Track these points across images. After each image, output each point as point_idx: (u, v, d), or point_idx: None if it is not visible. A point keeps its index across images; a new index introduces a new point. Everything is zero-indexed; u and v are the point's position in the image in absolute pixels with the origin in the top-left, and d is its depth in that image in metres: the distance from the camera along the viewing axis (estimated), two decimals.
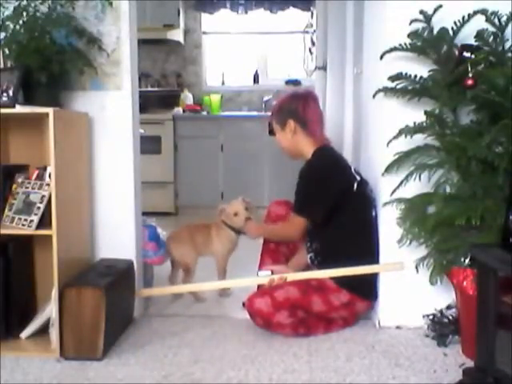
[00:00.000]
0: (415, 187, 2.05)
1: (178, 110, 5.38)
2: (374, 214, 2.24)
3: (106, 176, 2.32)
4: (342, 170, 2.26)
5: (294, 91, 2.45)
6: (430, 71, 2.02)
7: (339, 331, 2.18)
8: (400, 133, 2.01)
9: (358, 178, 2.24)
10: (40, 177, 2.07)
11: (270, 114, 2.49)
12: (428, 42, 1.98)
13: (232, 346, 2.04)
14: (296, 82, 5.45)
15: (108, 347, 1.98)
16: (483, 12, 1.90)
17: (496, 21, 1.89)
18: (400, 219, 2.10)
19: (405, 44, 2.02)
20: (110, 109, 2.29)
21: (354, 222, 2.21)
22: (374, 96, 2.13)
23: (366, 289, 2.23)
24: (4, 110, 1.96)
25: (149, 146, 4.46)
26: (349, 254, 2.18)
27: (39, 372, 1.85)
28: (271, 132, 2.46)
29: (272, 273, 2.23)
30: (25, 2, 2.09)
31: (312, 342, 2.08)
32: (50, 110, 1.92)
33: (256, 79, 5.72)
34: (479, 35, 1.91)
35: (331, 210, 2.19)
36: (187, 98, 5.51)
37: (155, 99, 5.48)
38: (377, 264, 2.22)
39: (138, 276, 2.35)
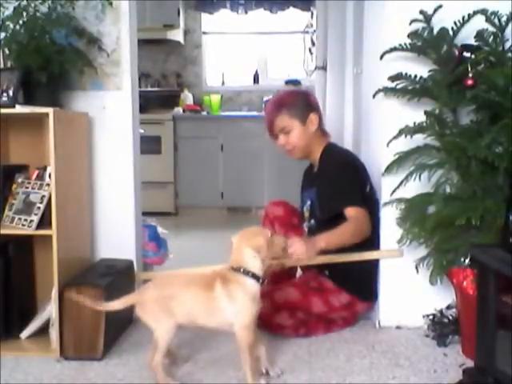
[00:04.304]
0: (415, 187, 2.05)
1: (178, 109, 5.38)
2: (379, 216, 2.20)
3: (106, 176, 2.32)
4: (362, 165, 2.25)
5: (291, 88, 2.39)
6: (429, 71, 2.02)
7: (339, 331, 2.18)
8: (400, 133, 2.01)
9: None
10: (40, 177, 2.07)
11: (272, 112, 2.22)
12: (428, 42, 1.98)
13: (232, 346, 2.04)
14: (296, 82, 5.45)
15: (108, 347, 1.98)
16: (483, 12, 1.91)
17: (496, 21, 1.90)
18: (400, 219, 2.10)
19: (405, 44, 2.02)
20: (110, 109, 2.29)
21: None
22: (373, 96, 2.13)
23: (366, 290, 2.22)
24: (4, 110, 1.96)
25: (149, 146, 4.46)
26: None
27: (39, 372, 1.85)
28: (272, 133, 2.25)
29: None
30: (25, 2, 2.10)
31: (312, 343, 2.08)
32: (50, 110, 1.92)
33: (256, 79, 5.72)
34: (479, 35, 1.92)
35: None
36: (187, 97, 5.52)
37: (155, 99, 5.49)
38: (378, 267, 2.22)
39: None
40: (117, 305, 1.77)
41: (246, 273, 1.71)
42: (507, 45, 1.91)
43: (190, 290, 1.73)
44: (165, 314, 1.70)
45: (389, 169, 2.09)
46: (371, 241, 2.17)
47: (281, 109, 2.19)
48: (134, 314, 2.28)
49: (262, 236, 1.74)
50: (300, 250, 1.86)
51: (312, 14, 5.04)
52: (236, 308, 1.69)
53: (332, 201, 2.13)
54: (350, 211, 2.06)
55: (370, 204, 2.19)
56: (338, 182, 2.13)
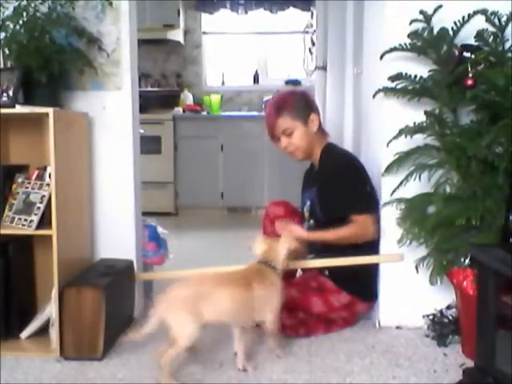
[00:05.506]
0: (415, 187, 2.05)
1: (178, 109, 5.38)
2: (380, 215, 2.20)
3: (106, 176, 2.32)
4: (363, 167, 2.26)
5: (290, 89, 2.38)
6: (429, 71, 2.02)
7: (339, 331, 2.18)
8: (400, 133, 2.01)
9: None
10: (40, 177, 2.07)
11: (273, 114, 2.20)
12: (428, 42, 1.98)
13: (232, 346, 2.04)
14: (296, 82, 5.46)
15: (108, 347, 1.98)
16: (483, 12, 1.90)
17: (496, 21, 1.89)
18: (400, 219, 2.10)
19: (405, 44, 2.02)
20: (110, 109, 2.29)
21: None
22: (373, 96, 2.12)
23: (366, 290, 2.22)
24: (4, 110, 1.96)
25: (149, 146, 4.46)
26: (351, 255, 2.15)
27: (39, 372, 1.85)
28: (273, 136, 2.23)
29: None
30: (25, 2, 2.09)
31: (312, 342, 2.08)
32: (50, 110, 1.92)
33: (256, 79, 5.72)
34: (479, 35, 1.91)
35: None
36: (187, 97, 5.51)
37: (155, 99, 5.48)
38: (378, 267, 2.22)
39: None
40: (152, 324, 1.72)
41: (274, 267, 1.89)
42: (507, 45, 1.91)
43: (225, 289, 1.77)
44: (191, 317, 1.69)
45: (389, 169, 2.09)
46: (371, 241, 2.18)
47: (282, 111, 2.19)
48: (135, 314, 2.29)
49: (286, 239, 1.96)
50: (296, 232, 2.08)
51: (312, 13, 5.04)
52: (271, 303, 1.83)
53: (339, 206, 2.14)
54: (357, 218, 2.10)
55: (370, 202, 2.20)
56: (345, 187, 2.14)
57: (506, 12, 1.90)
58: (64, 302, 1.93)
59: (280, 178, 4.93)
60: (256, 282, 1.82)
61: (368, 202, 2.16)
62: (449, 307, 2.09)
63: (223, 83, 5.76)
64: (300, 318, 2.13)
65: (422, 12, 1.99)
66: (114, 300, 2.00)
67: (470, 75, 1.84)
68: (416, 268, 2.06)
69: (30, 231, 1.97)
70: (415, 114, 2.02)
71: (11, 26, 2.07)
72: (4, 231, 1.99)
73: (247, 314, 1.81)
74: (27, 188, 2.06)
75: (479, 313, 1.61)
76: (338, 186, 2.15)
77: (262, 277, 1.85)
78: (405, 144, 2.04)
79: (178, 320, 1.69)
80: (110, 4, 2.19)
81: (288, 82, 5.48)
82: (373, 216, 2.13)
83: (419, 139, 2.01)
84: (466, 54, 1.90)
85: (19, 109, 1.98)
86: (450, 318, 2.06)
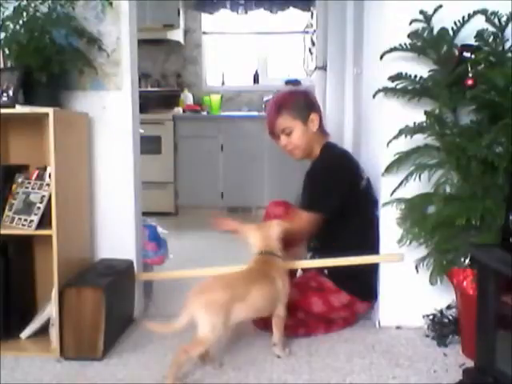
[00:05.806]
0: (415, 187, 2.05)
1: (178, 109, 5.38)
2: (377, 214, 2.21)
3: (106, 176, 2.32)
4: (353, 165, 2.25)
5: (291, 88, 2.38)
6: (429, 71, 2.02)
7: (339, 331, 2.18)
8: (400, 133, 2.01)
9: (365, 176, 2.23)
10: (40, 177, 2.07)
11: (273, 113, 2.23)
12: (428, 42, 1.98)
13: (232, 346, 2.04)
14: (296, 82, 5.45)
15: (108, 347, 1.98)
16: (483, 12, 1.91)
17: (496, 21, 1.90)
18: (400, 219, 2.10)
19: (405, 44, 2.02)
20: (110, 109, 2.29)
21: (358, 222, 2.19)
22: (374, 96, 2.13)
23: (366, 290, 2.23)
24: (4, 110, 1.96)
25: (149, 146, 4.46)
26: (349, 254, 2.16)
27: (39, 372, 1.85)
28: (273, 134, 2.27)
29: None
30: (25, 2, 2.09)
31: (312, 342, 2.08)
32: (50, 110, 1.92)
33: (256, 79, 5.72)
34: (479, 35, 1.92)
35: (341, 205, 2.13)
36: (187, 97, 5.51)
37: (155, 99, 5.48)
38: (378, 267, 2.22)
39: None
40: (183, 321, 1.73)
41: (279, 255, 1.96)
42: (507, 45, 1.92)
43: (256, 288, 1.83)
44: (222, 319, 1.73)
45: (389, 169, 2.09)
46: (370, 240, 2.18)
47: (282, 110, 2.21)
48: (135, 314, 2.29)
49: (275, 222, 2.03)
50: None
51: (312, 13, 5.03)
52: (285, 289, 1.91)
53: (304, 197, 2.20)
54: (302, 214, 2.13)
55: (364, 200, 2.22)
56: (317, 184, 2.17)
57: (506, 12, 1.91)
58: (64, 302, 1.93)
59: (280, 178, 4.93)
60: (275, 274, 1.89)
61: (326, 201, 2.13)
62: (449, 307, 2.09)
63: (223, 83, 5.76)
64: (300, 318, 2.13)
65: (422, 12, 1.99)
66: (114, 300, 2.00)
67: (470, 75, 1.84)
68: (416, 268, 2.06)
69: (30, 231, 1.97)
70: (415, 114, 2.02)
71: (11, 26, 2.07)
72: (4, 231, 1.99)
73: (271, 306, 1.90)
74: (27, 188, 2.06)
75: (479, 313, 1.61)
76: (314, 182, 2.18)
77: (275, 267, 1.92)
78: (405, 144, 2.04)
79: (210, 322, 1.71)
80: (110, 4, 2.19)
81: (288, 82, 5.47)
82: (317, 219, 2.11)
83: (419, 139, 2.01)
84: (466, 54, 1.90)
85: (19, 109, 1.98)
86: (450, 318, 2.06)
